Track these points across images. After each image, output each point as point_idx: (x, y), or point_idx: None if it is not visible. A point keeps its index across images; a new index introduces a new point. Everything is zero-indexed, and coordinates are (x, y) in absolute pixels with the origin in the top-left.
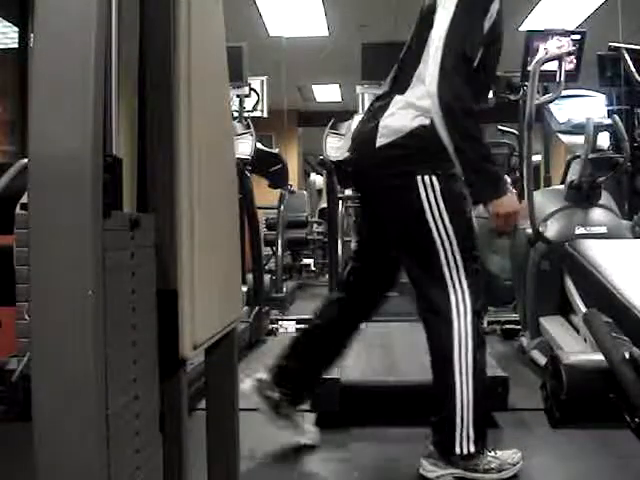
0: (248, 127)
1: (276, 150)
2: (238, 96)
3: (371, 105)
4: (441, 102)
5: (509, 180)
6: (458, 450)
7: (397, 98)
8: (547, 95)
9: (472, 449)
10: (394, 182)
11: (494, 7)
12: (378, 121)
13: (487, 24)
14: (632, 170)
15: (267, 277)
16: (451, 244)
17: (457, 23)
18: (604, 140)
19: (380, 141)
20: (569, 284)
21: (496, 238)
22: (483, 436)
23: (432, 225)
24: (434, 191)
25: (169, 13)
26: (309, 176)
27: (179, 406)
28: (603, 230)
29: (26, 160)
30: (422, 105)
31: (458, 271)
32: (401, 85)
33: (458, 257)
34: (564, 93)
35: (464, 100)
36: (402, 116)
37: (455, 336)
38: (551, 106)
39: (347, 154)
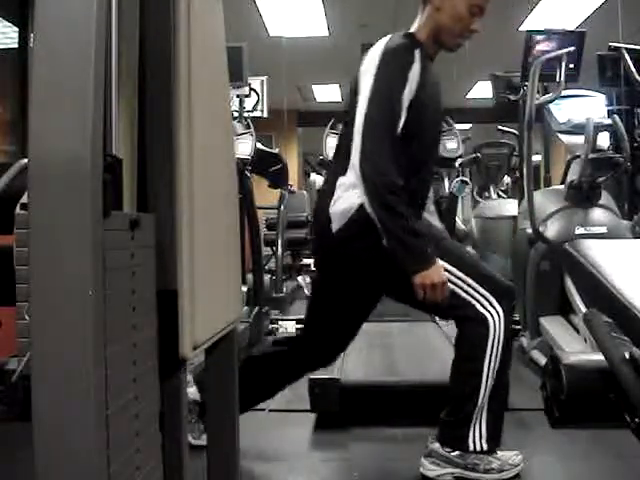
0: (248, 127)
1: (276, 150)
2: (238, 96)
3: (326, 180)
4: (363, 176)
5: (509, 180)
6: (472, 446)
7: (340, 180)
8: (547, 95)
9: (485, 446)
10: (368, 255)
11: (413, 73)
12: (328, 208)
13: (407, 94)
14: (632, 170)
15: (267, 277)
16: (450, 273)
17: (375, 96)
18: (604, 140)
19: (334, 226)
20: (569, 284)
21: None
22: (498, 435)
23: None
24: None
25: (169, 13)
26: (309, 176)
27: (179, 406)
28: (603, 230)
29: (26, 160)
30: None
31: (473, 288)
32: (343, 163)
33: (465, 278)
34: (564, 93)
35: (385, 174)
36: (347, 198)
37: (490, 337)
38: (551, 106)
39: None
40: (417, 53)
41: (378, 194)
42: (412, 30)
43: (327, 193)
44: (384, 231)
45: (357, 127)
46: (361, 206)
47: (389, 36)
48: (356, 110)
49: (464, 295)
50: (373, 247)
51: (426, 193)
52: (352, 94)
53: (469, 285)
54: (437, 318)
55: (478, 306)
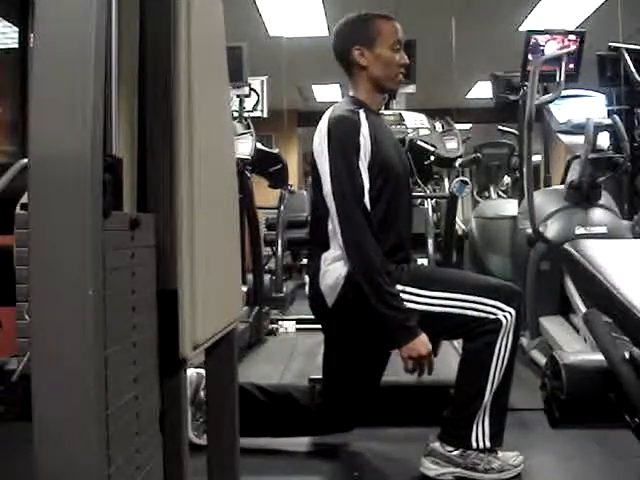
0: (248, 127)
1: (276, 150)
2: (238, 96)
3: (309, 253)
4: (350, 260)
5: (509, 180)
6: (474, 444)
7: (324, 256)
8: (547, 95)
9: (488, 444)
10: (368, 319)
11: (363, 135)
12: (318, 284)
13: (364, 157)
14: (632, 170)
15: (267, 277)
16: (456, 299)
17: (335, 172)
18: (604, 140)
19: (329, 302)
20: (569, 284)
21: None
22: (501, 433)
23: (436, 309)
24: (406, 291)
25: (169, 13)
26: (309, 176)
27: (179, 406)
28: (603, 230)
29: (26, 160)
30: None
31: (479, 303)
32: (322, 239)
33: (467, 298)
34: (564, 93)
35: (368, 256)
36: (334, 270)
37: (499, 337)
38: (551, 106)
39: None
40: (362, 113)
41: (363, 275)
42: (351, 94)
43: (315, 269)
44: (370, 304)
45: (328, 198)
46: (347, 276)
47: (331, 108)
48: (322, 186)
49: (474, 314)
50: (371, 311)
51: (409, 230)
52: (313, 164)
53: (475, 302)
54: None
55: (491, 317)
